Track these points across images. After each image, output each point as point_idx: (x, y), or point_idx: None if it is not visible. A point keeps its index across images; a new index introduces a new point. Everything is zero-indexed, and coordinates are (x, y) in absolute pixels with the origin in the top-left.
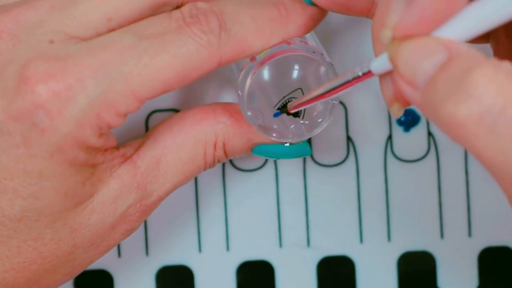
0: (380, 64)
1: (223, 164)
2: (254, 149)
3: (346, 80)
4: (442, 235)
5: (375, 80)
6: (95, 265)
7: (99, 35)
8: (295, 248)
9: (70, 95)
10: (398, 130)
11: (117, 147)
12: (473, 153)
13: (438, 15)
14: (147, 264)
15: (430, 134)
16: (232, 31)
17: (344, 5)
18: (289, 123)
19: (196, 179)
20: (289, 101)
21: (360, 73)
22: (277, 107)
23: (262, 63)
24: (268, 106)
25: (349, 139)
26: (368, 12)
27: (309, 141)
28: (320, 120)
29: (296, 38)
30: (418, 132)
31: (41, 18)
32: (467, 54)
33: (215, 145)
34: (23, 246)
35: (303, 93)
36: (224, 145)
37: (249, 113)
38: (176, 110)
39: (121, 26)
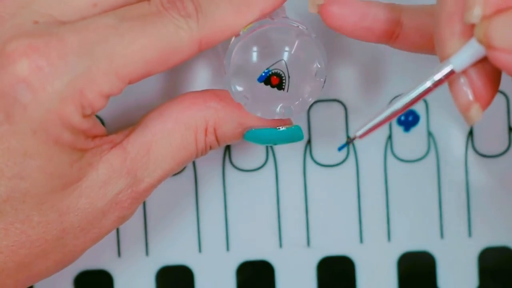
0: (464, 58)
1: (223, 164)
2: (246, 134)
3: (426, 88)
4: (442, 235)
5: (375, 80)
6: (95, 265)
7: (83, 19)
8: (295, 248)
9: (53, 70)
10: (398, 130)
11: (106, 134)
12: None
13: None
14: (147, 264)
15: (430, 134)
16: (209, 13)
17: (369, 29)
18: (277, 101)
19: (196, 178)
20: (273, 72)
21: (442, 77)
22: (262, 79)
23: (245, 38)
24: (254, 82)
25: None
26: (391, 36)
27: (308, 139)
28: (310, 99)
29: (280, 14)
30: (418, 132)
31: (26, 1)
32: None
33: (205, 130)
34: (10, 228)
35: (286, 65)
36: (215, 130)
37: (234, 89)
38: None
39: (106, 11)
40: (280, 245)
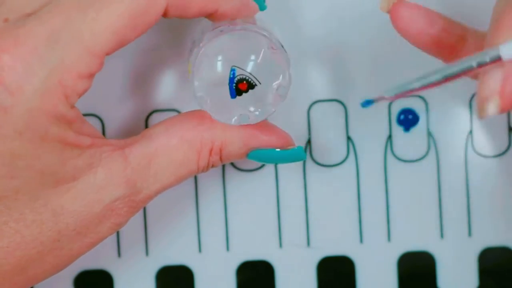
0: None
1: (223, 164)
2: (250, 154)
3: (468, 67)
4: (442, 235)
5: (375, 80)
6: (95, 265)
7: None
8: (295, 248)
9: (27, 67)
10: (398, 130)
11: (102, 136)
12: None
13: None
14: (147, 264)
15: (430, 134)
16: None
17: (434, 38)
18: (238, 108)
19: (196, 179)
20: (244, 79)
21: (488, 60)
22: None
23: (211, 43)
24: (217, 88)
25: (349, 139)
26: (453, 51)
27: (308, 139)
28: (273, 110)
29: (251, 22)
30: (418, 132)
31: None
32: None
33: (211, 150)
34: (4, 228)
35: (251, 72)
36: (220, 150)
37: (198, 95)
38: (176, 110)
39: None
40: (280, 245)
